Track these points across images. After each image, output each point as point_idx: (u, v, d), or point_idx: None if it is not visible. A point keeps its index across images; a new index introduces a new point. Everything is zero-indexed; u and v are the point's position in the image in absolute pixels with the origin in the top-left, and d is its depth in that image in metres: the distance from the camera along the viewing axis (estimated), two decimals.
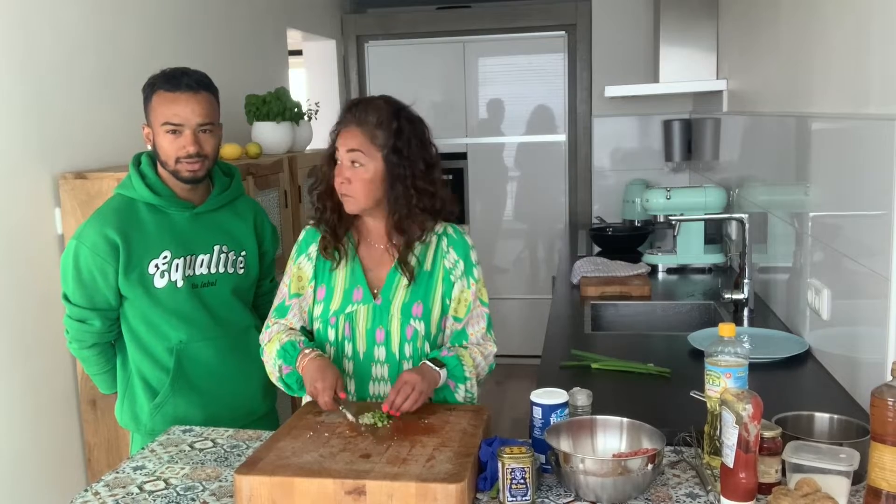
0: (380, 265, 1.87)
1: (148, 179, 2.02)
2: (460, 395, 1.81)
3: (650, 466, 1.41)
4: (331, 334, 1.85)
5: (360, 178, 1.77)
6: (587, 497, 1.43)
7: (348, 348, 1.85)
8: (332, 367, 1.75)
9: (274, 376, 1.86)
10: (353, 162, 1.77)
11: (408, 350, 1.83)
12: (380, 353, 1.84)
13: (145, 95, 2.00)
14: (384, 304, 1.83)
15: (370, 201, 1.80)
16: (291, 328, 1.88)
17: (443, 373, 1.76)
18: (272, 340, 1.86)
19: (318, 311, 1.87)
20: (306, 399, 1.84)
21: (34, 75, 2.41)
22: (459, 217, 1.97)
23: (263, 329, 1.93)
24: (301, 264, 1.90)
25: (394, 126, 1.78)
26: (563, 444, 1.51)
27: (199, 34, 3.38)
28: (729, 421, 1.35)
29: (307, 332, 1.90)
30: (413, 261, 1.84)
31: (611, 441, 1.55)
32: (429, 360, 1.77)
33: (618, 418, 1.57)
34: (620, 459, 1.42)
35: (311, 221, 1.93)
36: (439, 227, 1.89)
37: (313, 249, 1.89)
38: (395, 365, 1.83)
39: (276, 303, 1.94)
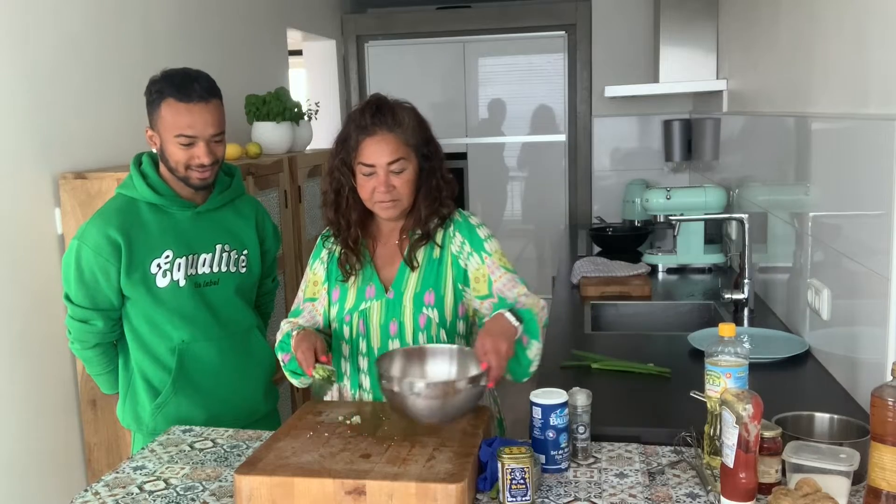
0: (391, 262, 1.87)
1: (149, 179, 2.02)
2: (532, 351, 1.72)
3: (471, 386, 1.53)
4: (346, 332, 1.87)
5: (404, 182, 1.77)
6: (421, 420, 1.56)
7: (362, 345, 1.86)
8: (312, 333, 1.76)
9: (285, 371, 1.87)
10: (393, 171, 1.76)
11: (422, 339, 1.83)
12: (394, 346, 1.84)
13: (151, 101, 1.97)
14: (396, 297, 1.84)
15: (411, 201, 1.81)
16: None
17: (521, 328, 1.68)
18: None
19: (334, 311, 1.89)
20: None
21: (34, 75, 2.41)
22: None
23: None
24: (316, 269, 1.93)
25: (417, 120, 1.80)
26: (395, 371, 1.67)
27: (198, 34, 3.38)
28: (729, 421, 1.35)
29: (323, 332, 1.90)
30: (421, 253, 1.84)
31: (440, 368, 1.71)
32: (507, 312, 1.68)
33: (447, 346, 1.75)
34: (449, 381, 1.55)
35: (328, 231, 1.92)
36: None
37: (325, 254, 1.92)
38: None
39: (292, 307, 1.97)
